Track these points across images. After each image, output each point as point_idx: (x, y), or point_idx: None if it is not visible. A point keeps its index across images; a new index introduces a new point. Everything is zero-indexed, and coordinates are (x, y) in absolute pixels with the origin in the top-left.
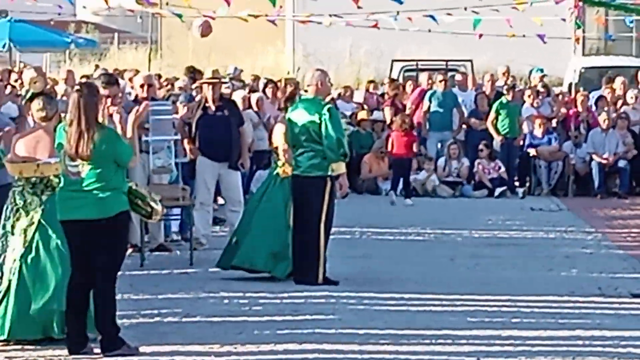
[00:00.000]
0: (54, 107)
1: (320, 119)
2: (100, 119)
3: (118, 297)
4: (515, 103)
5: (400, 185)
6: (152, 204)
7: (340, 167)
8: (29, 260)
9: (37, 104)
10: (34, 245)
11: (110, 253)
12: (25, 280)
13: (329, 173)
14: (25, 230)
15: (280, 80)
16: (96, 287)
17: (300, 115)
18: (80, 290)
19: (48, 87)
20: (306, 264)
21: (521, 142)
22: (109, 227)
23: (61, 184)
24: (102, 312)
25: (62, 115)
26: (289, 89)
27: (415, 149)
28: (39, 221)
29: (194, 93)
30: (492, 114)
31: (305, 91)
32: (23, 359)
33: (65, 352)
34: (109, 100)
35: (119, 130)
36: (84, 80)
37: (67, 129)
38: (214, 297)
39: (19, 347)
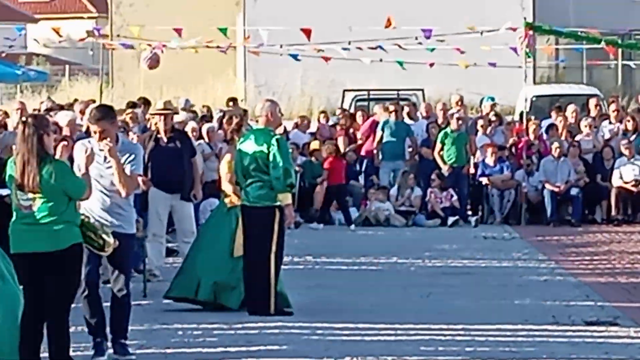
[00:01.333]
0: None
1: (268, 149)
2: (51, 151)
3: (72, 329)
4: (461, 132)
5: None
6: (104, 236)
7: (286, 198)
8: None
9: None
10: None
11: (63, 285)
12: None
13: (278, 203)
14: None
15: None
16: (50, 319)
17: (249, 146)
18: (33, 323)
19: None
20: (258, 294)
21: (472, 170)
22: (61, 259)
23: (14, 217)
24: (56, 345)
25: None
26: (235, 120)
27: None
28: None
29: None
30: (438, 144)
31: (256, 122)
32: None
33: None
34: (99, 135)
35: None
36: (34, 112)
37: (17, 162)
38: (168, 329)
39: None
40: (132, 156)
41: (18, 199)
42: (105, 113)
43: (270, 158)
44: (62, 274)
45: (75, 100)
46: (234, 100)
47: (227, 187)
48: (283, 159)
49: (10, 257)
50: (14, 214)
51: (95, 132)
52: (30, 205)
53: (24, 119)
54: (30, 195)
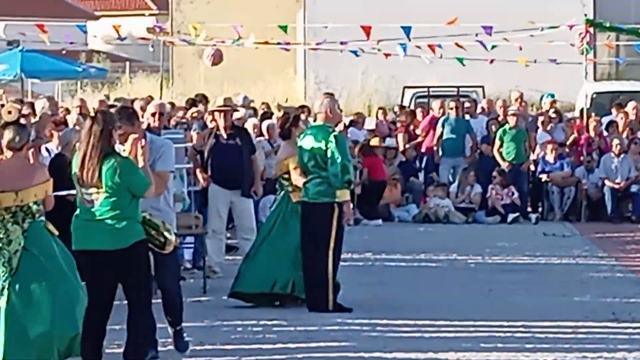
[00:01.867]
0: (24, 138)
1: (326, 145)
2: (116, 148)
3: (114, 327)
4: (520, 128)
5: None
6: (166, 234)
7: (344, 195)
8: (17, 288)
9: (7, 134)
10: (20, 273)
11: (135, 283)
12: (15, 308)
13: (337, 199)
14: (10, 260)
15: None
16: (130, 314)
17: (308, 142)
18: (96, 320)
19: (60, 117)
20: (317, 291)
21: (532, 167)
22: (124, 258)
23: (76, 212)
24: (134, 342)
25: (75, 143)
26: (292, 115)
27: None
28: (23, 248)
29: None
30: (497, 141)
31: (315, 119)
32: None
33: None
34: (120, 137)
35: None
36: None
37: (78, 160)
38: (227, 325)
39: None
40: (160, 154)
41: (81, 193)
42: (125, 115)
43: (329, 154)
44: (130, 274)
45: (135, 99)
46: (196, 100)
47: (299, 181)
48: (341, 155)
49: (72, 254)
50: (78, 209)
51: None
52: (93, 200)
53: (92, 115)
54: (93, 190)
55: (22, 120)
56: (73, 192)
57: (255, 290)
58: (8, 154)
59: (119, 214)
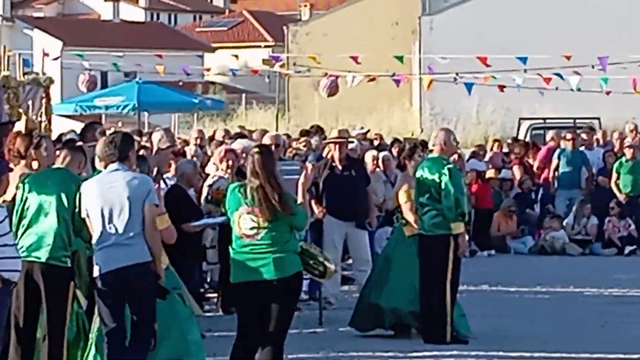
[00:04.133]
0: (144, 170)
1: (440, 177)
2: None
3: None
4: (637, 160)
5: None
6: (326, 262)
7: (458, 227)
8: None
9: None
10: None
11: (285, 312)
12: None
13: (452, 231)
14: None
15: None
16: (268, 346)
17: (423, 174)
18: (248, 352)
19: (178, 148)
20: (434, 322)
21: None
22: (285, 286)
23: (234, 246)
24: None
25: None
26: (408, 147)
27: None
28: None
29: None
30: (614, 174)
31: (431, 151)
32: None
33: None
34: None
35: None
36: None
37: (253, 191)
38: (343, 357)
39: None
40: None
41: (241, 227)
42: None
43: (442, 187)
44: (284, 302)
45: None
46: (310, 131)
47: (408, 215)
48: (454, 187)
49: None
50: (234, 242)
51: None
52: (254, 235)
53: (257, 148)
54: (255, 224)
55: (141, 152)
56: (209, 221)
57: (367, 325)
58: None
59: (280, 247)
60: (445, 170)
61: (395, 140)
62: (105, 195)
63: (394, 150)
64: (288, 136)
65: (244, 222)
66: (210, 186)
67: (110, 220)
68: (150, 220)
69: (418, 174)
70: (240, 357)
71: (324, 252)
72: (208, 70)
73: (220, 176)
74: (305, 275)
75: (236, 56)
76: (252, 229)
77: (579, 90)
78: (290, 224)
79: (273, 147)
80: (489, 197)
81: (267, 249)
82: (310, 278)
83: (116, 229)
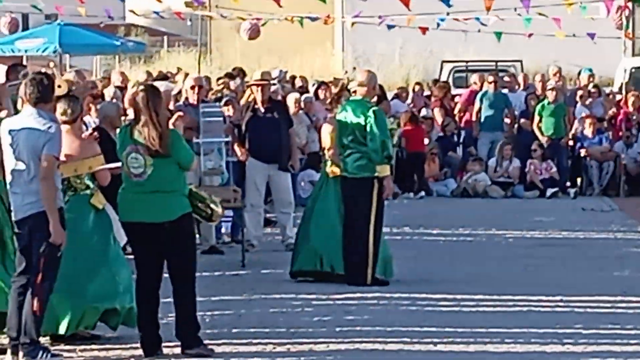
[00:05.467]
0: (76, 110)
1: (365, 120)
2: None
3: (169, 299)
4: (559, 103)
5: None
6: (212, 206)
7: (384, 170)
8: None
9: (60, 107)
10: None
11: (182, 256)
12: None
13: (376, 174)
14: None
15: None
16: (175, 288)
17: (347, 117)
18: (147, 290)
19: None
20: (356, 265)
21: (570, 142)
22: (173, 230)
23: (123, 186)
24: (182, 313)
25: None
26: (335, 90)
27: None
28: None
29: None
30: (536, 116)
31: (354, 92)
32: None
33: (138, 351)
34: None
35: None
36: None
37: (140, 128)
38: (266, 299)
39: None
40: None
41: (129, 166)
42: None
43: (368, 130)
44: (177, 245)
45: (179, 69)
46: (233, 74)
47: (332, 156)
48: (380, 130)
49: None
50: (124, 182)
51: None
52: (141, 173)
53: (143, 87)
54: (142, 161)
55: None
56: (119, 164)
57: (304, 268)
58: (63, 126)
59: (167, 186)
60: (371, 113)
61: (321, 83)
62: (14, 140)
63: (319, 93)
64: (208, 79)
65: (131, 161)
66: None
67: (16, 166)
68: (43, 169)
69: (341, 116)
70: (142, 297)
71: (212, 195)
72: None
73: (131, 119)
74: (229, 218)
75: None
76: (138, 167)
77: (497, 36)
78: (178, 163)
79: (196, 89)
80: (421, 139)
81: (153, 189)
82: (233, 221)
83: (20, 175)
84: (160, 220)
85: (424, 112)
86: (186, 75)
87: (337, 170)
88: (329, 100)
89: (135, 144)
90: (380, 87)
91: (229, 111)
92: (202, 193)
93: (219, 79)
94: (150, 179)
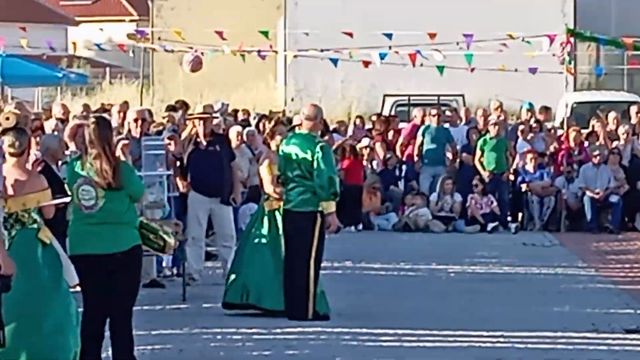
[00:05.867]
0: (24, 143)
1: (313, 156)
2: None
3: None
4: (501, 138)
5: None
6: (165, 237)
7: (330, 206)
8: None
9: (7, 139)
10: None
11: (126, 288)
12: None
13: (320, 208)
14: None
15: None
16: (114, 321)
17: (292, 150)
18: (94, 325)
19: (37, 123)
20: (297, 299)
21: (512, 177)
22: (123, 261)
23: (73, 218)
24: (120, 346)
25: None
26: (268, 125)
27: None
28: None
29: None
30: (478, 151)
31: (298, 126)
32: None
33: None
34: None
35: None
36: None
37: (92, 161)
38: (207, 333)
39: None
40: None
41: (80, 199)
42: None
43: (315, 166)
44: (124, 276)
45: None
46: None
47: (270, 190)
48: (327, 167)
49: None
50: (73, 215)
51: None
52: (92, 205)
53: (94, 119)
54: (93, 194)
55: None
56: (67, 199)
57: (232, 300)
58: (10, 159)
59: (118, 218)
60: (318, 149)
61: (262, 116)
62: None
63: (260, 126)
64: (150, 112)
65: (82, 193)
66: (65, 163)
67: None
68: None
69: (286, 150)
70: (88, 331)
71: (165, 226)
72: (73, 44)
73: (73, 151)
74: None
75: (101, 29)
76: (90, 199)
77: (440, 70)
78: (129, 195)
79: (140, 122)
80: (359, 172)
81: (104, 221)
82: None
83: None
84: (112, 251)
85: (365, 142)
86: (121, 107)
87: (275, 204)
88: (265, 134)
89: (86, 176)
90: (324, 121)
91: (171, 145)
92: (153, 225)
93: (166, 111)
94: (102, 210)
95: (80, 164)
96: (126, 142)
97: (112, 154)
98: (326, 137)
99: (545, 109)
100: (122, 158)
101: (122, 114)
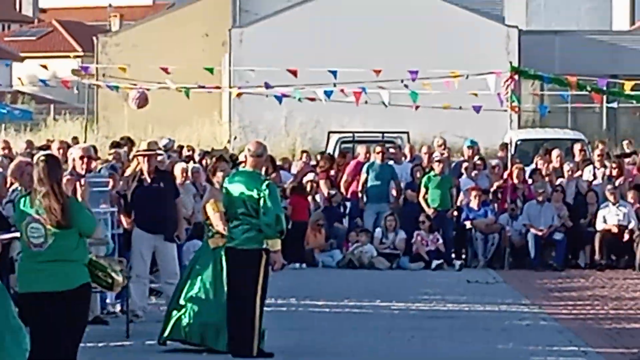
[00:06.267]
0: None
1: (259, 194)
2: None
3: None
4: (445, 175)
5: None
6: (113, 274)
7: (276, 244)
8: None
9: None
10: None
11: (74, 325)
12: None
13: (265, 246)
14: None
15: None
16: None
17: (237, 188)
18: None
19: None
20: (241, 336)
21: (455, 214)
22: (72, 299)
23: (22, 256)
24: None
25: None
26: (209, 161)
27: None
28: None
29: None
30: (422, 188)
31: (242, 163)
32: None
33: None
34: None
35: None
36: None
37: (40, 198)
38: None
39: None
40: None
41: (29, 237)
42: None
43: (262, 204)
44: (73, 314)
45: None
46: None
47: (219, 226)
48: (274, 205)
49: (16, 297)
50: (22, 252)
51: None
52: (42, 243)
53: (43, 157)
54: (42, 232)
55: None
56: (16, 234)
57: (173, 336)
58: None
59: (68, 256)
60: (265, 187)
61: (205, 152)
62: None
63: (204, 163)
64: (95, 148)
65: (31, 231)
66: (11, 201)
67: None
68: None
69: (231, 187)
70: None
71: (112, 264)
72: (18, 79)
73: (16, 189)
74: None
75: (45, 66)
76: (39, 237)
77: (385, 105)
78: (79, 232)
79: (85, 159)
80: (304, 209)
81: (53, 259)
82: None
83: None
84: (61, 289)
85: (310, 176)
86: (61, 144)
87: (220, 242)
88: (209, 172)
89: (35, 214)
90: (271, 158)
91: (109, 183)
92: (102, 262)
93: (111, 147)
94: (51, 248)
95: (29, 202)
96: (70, 177)
97: (60, 192)
98: (274, 175)
99: (506, 146)
100: (69, 194)
101: (61, 151)
